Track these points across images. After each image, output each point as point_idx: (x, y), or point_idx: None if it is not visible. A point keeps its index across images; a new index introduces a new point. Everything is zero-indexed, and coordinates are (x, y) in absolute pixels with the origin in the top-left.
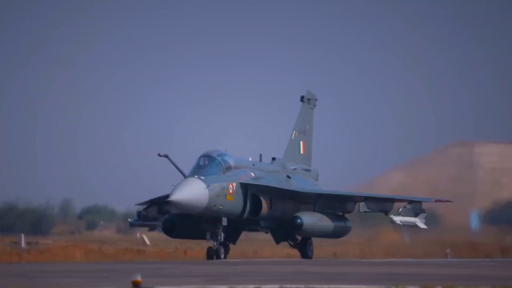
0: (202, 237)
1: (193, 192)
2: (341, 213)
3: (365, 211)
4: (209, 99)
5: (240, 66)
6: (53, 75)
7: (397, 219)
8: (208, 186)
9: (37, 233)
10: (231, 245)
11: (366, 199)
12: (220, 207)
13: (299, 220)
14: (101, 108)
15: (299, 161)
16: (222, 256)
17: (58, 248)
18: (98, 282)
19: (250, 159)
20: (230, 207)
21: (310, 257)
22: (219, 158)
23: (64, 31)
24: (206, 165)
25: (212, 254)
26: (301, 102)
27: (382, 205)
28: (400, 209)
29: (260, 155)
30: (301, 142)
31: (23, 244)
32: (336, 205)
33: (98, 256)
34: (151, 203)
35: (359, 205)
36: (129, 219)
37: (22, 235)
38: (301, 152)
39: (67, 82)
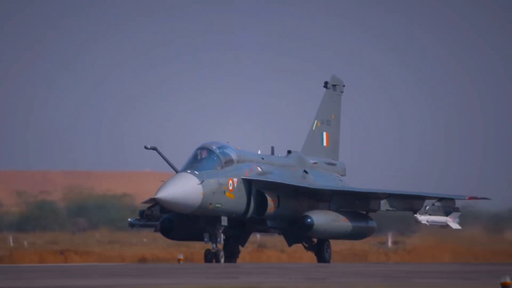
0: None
1: (184, 188)
2: (364, 212)
3: (387, 210)
4: (219, 87)
5: (253, 49)
6: (41, 69)
7: (423, 218)
8: (202, 182)
9: (404, 232)
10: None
11: (389, 196)
12: (218, 205)
13: (309, 220)
14: (102, 100)
15: (321, 154)
16: (222, 259)
17: (425, 248)
18: (463, 283)
19: (259, 152)
20: (230, 206)
21: (328, 261)
22: (218, 151)
23: (54, 26)
24: (202, 159)
25: (210, 258)
26: (324, 89)
27: (409, 203)
28: (427, 207)
29: (272, 147)
30: (324, 133)
31: (389, 244)
32: (357, 203)
33: (466, 257)
34: (156, 201)
35: (380, 203)
36: (129, 219)
37: (389, 234)
38: (324, 144)
39: (55, 75)
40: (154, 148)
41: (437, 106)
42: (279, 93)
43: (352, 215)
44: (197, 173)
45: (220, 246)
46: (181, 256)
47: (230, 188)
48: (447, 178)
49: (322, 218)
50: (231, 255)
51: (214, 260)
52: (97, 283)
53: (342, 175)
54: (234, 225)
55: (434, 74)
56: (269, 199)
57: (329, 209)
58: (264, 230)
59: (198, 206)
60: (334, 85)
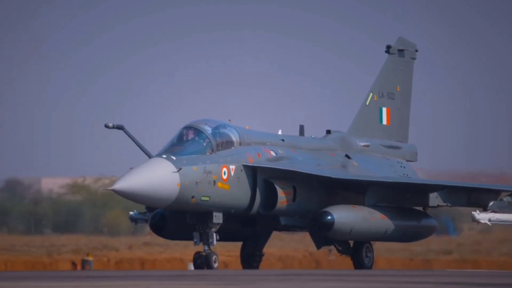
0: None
1: (152, 178)
2: (420, 208)
3: (438, 205)
4: (232, 49)
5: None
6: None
7: (483, 216)
8: (179, 170)
9: None
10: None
11: (443, 188)
12: (204, 199)
13: (328, 217)
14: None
15: (378, 134)
16: (216, 264)
17: None
18: None
19: (279, 132)
20: (223, 199)
21: (369, 267)
22: (210, 131)
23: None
24: (187, 141)
25: (200, 263)
26: (386, 54)
27: (476, 197)
28: (491, 203)
29: (301, 126)
30: (383, 109)
31: None
32: (407, 196)
33: None
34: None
35: (429, 196)
36: (131, 212)
37: None
38: (384, 122)
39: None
40: (120, 127)
41: None
42: (321, 59)
43: (396, 211)
44: (174, 158)
45: (213, 248)
46: None
47: (224, 177)
48: None
49: (347, 216)
50: (250, 259)
51: (205, 266)
52: None
53: (410, 161)
54: (248, 223)
55: None
56: (280, 191)
57: (364, 203)
58: (283, 228)
59: (175, 199)
60: (400, 50)
